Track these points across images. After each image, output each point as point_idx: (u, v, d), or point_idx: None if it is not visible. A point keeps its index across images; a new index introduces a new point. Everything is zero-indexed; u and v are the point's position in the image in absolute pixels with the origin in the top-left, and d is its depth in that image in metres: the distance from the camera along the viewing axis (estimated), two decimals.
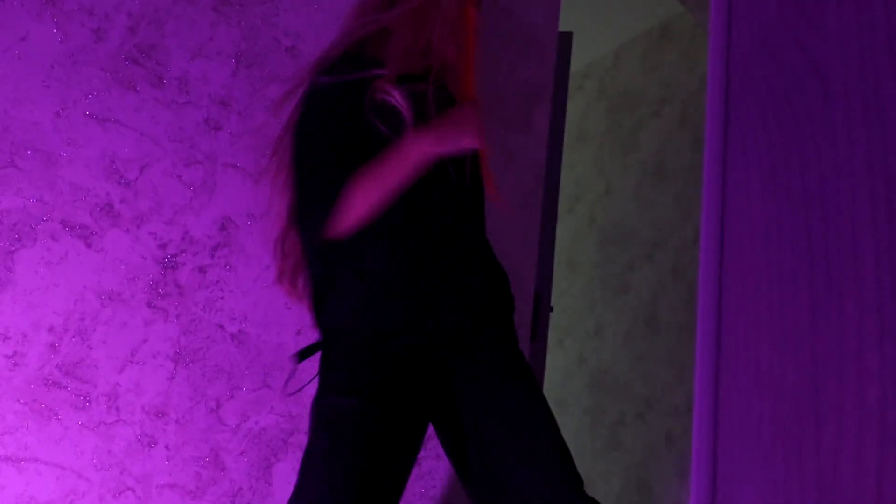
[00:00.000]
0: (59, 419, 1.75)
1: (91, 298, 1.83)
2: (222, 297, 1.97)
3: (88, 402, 1.79)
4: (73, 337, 1.80)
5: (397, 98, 1.44)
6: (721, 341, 0.73)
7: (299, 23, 2.21)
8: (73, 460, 1.75)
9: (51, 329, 1.78)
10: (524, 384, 1.47)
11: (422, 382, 1.46)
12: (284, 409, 1.99)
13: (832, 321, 0.64)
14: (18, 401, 1.73)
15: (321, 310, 1.49)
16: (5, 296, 1.75)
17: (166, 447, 1.85)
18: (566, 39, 2.83)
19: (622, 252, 4.34)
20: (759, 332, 0.70)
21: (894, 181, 0.58)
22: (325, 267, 1.48)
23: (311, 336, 2.07)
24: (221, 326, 1.95)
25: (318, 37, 2.23)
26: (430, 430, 2.11)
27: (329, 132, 1.43)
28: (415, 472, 2.11)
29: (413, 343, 1.44)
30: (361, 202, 1.39)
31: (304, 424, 2.01)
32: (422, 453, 2.13)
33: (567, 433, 4.35)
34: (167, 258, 1.92)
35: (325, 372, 1.48)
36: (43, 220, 1.81)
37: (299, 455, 1.99)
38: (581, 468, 4.20)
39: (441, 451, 2.14)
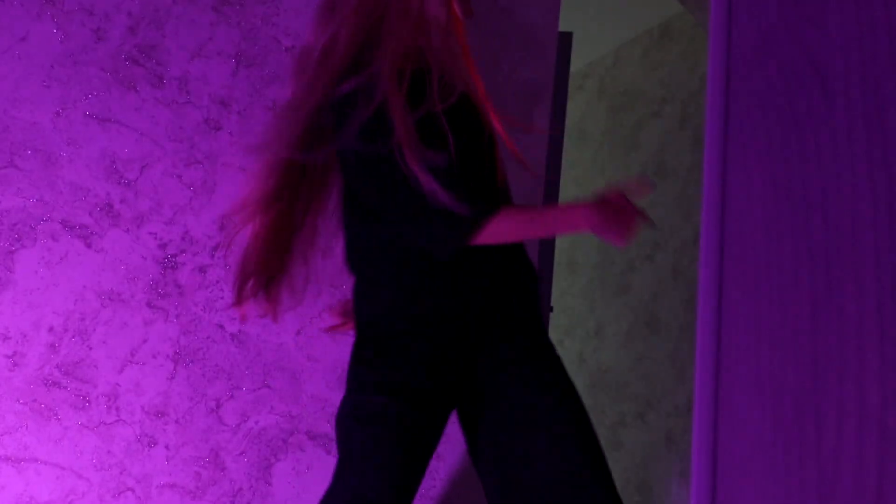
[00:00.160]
0: (58, 419, 1.75)
1: (91, 298, 1.83)
2: (222, 297, 1.97)
3: (88, 402, 1.79)
4: (73, 337, 1.80)
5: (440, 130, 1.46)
6: (721, 341, 0.73)
7: (299, 23, 2.21)
8: (73, 460, 1.75)
9: (51, 329, 1.77)
10: (550, 379, 1.49)
11: (451, 375, 1.48)
12: (284, 410, 1.99)
13: (833, 321, 0.64)
14: (18, 401, 1.72)
15: (360, 306, 1.52)
16: (5, 296, 1.75)
17: (166, 447, 1.85)
18: (566, 39, 2.83)
19: (622, 252, 4.34)
20: (759, 332, 0.70)
21: (895, 180, 0.58)
22: (370, 264, 1.51)
23: (312, 336, 2.07)
24: (221, 326, 1.95)
25: None
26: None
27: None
28: None
29: (444, 333, 1.47)
30: (500, 232, 1.42)
31: (304, 424, 2.01)
32: None
33: None
34: (167, 258, 1.92)
35: (354, 370, 1.50)
36: (43, 220, 1.80)
37: (299, 455, 1.99)
38: None
39: (441, 450, 2.14)
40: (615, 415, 4.13)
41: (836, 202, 0.61)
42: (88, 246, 1.84)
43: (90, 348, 1.81)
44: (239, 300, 1.52)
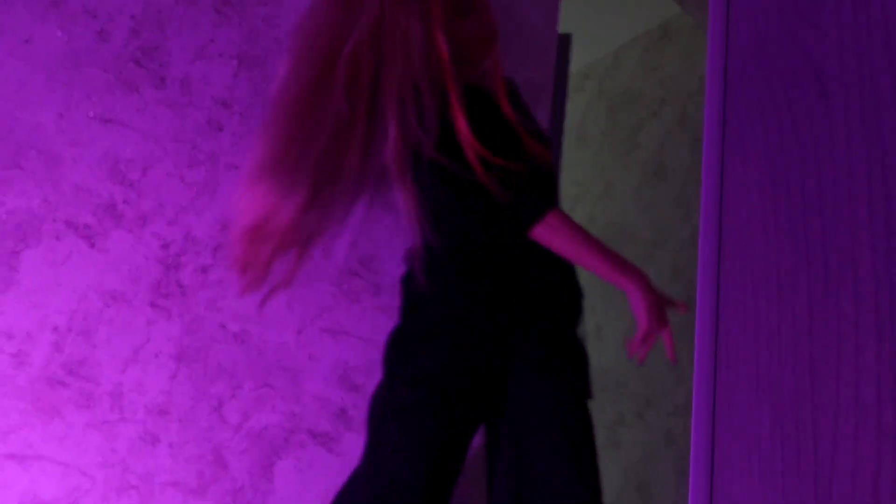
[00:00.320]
0: (62, 418, 1.76)
1: (94, 298, 1.84)
2: (224, 297, 1.98)
3: (92, 400, 1.80)
4: (77, 336, 1.81)
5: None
6: (719, 341, 0.74)
7: None
8: (77, 458, 1.76)
9: (55, 328, 1.78)
10: (560, 382, 1.54)
11: (487, 376, 1.56)
12: (286, 408, 2.00)
13: (830, 321, 0.65)
14: (23, 399, 1.73)
15: (412, 298, 1.60)
16: (10, 295, 1.76)
17: (169, 445, 1.85)
18: (566, 40, 2.84)
19: (622, 251, 4.35)
20: (757, 331, 0.71)
21: (891, 181, 0.59)
22: (431, 261, 1.61)
23: (313, 335, 2.08)
24: (223, 326, 1.96)
25: None
26: None
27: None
28: None
29: (486, 335, 1.55)
30: (557, 232, 1.52)
31: (306, 423, 2.02)
32: None
33: None
34: (170, 258, 1.93)
35: (393, 358, 1.56)
36: (47, 221, 1.81)
37: (300, 454, 2.00)
38: None
39: None
40: (614, 414, 4.13)
41: (833, 202, 0.62)
42: (92, 246, 1.85)
43: (94, 347, 1.82)
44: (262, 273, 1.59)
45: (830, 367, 0.63)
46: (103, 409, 1.81)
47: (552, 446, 1.49)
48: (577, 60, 5.02)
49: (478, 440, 2.29)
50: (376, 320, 2.18)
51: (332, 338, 2.11)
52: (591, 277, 4.52)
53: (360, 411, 2.10)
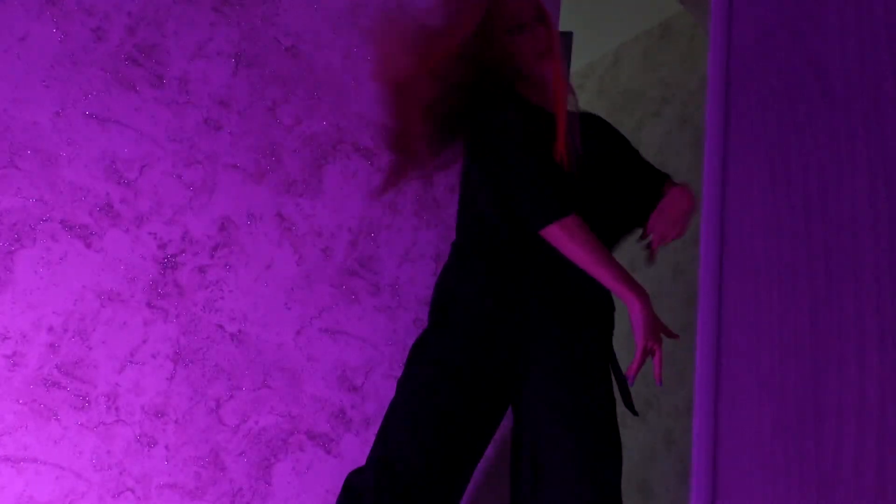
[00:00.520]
0: (58, 419, 1.75)
1: (90, 298, 1.82)
2: (222, 298, 1.97)
3: (88, 402, 1.79)
4: (73, 337, 1.80)
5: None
6: (721, 341, 0.73)
7: (299, 23, 2.21)
8: (73, 460, 1.75)
9: (50, 329, 1.77)
10: (585, 382, 1.59)
11: (503, 364, 1.64)
12: (284, 410, 1.99)
13: (832, 321, 0.64)
14: (18, 401, 1.72)
15: (447, 281, 1.74)
16: (5, 296, 1.75)
17: (166, 447, 1.84)
18: (566, 39, 2.82)
19: (623, 251, 4.35)
20: (759, 332, 0.70)
21: (895, 180, 0.58)
22: (469, 249, 1.75)
23: (312, 336, 2.07)
24: (221, 326, 1.95)
25: (317, 37, 2.23)
26: None
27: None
28: None
29: (505, 325, 1.64)
30: (563, 240, 1.62)
31: (304, 425, 2.01)
32: None
33: None
34: (167, 258, 1.92)
35: (415, 346, 1.69)
36: (42, 220, 1.80)
37: (299, 455, 1.99)
38: None
39: None
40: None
41: (836, 202, 0.61)
42: (88, 246, 1.84)
43: (90, 348, 1.81)
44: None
45: (833, 367, 0.62)
46: (99, 410, 1.80)
47: (567, 455, 1.52)
48: (578, 59, 5.01)
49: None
50: (376, 321, 2.17)
51: (332, 338, 2.10)
52: None
53: (359, 412, 2.09)
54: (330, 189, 2.18)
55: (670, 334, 1.59)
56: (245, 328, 1.98)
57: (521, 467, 1.61)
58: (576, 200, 1.74)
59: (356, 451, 2.06)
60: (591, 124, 1.91)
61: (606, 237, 1.82)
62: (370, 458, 1.59)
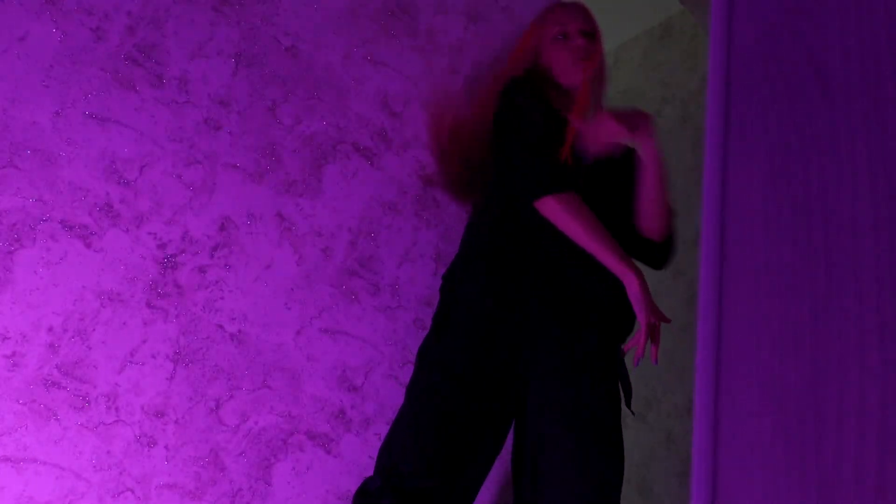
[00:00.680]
0: (58, 419, 1.75)
1: (90, 298, 1.82)
2: (222, 298, 1.97)
3: (88, 402, 1.78)
4: (73, 337, 1.79)
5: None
6: (721, 342, 0.72)
7: (299, 23, 2.21)
8: (73, 461, 1.75)
9: (50, 329, 1.77)
10: (587, 381, 1.59)
11: (505, 362, 1.64)
12: (284, 410, 1.99)
13: (833, 321, 0.63)
14: (17, 401, 1.72)
15: (451, 283, 1.74)
16: (4, 296, 1.74)
17: (166, 447, 1.84)
18: None
19: None
20: (759, 332, 0.70)
21: (895, 180, 0.58)
22: (470, 250, 1.75)
23: (312, 336, 2.07)
24: (221, 326, 1.95)
25: (317, 37, 2.23)
26: None
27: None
28: None
29: (507, 326, 1.63)
30: (559, 214, 1.62)
31: (304, 425, 2.01)
32: None
33: None
34: (166, 258, 1.92)
35: (421, 347, 1.68)
36: (42, 220, 1.80)
37: (299, 455, 1.98)
38: None
39: None
40: None
41: (837, 202, 0.61)
42: (88, 246, 1.84)
43: (89, 348, 1.81)
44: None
45: (833, 368, 0.62)
46: (99, 410, 1.79)
47: (567, 455, 1.52)
48: None
49: None
50: (376, 321, 2.17)
51: (331, 338, 2.10)
52: None
53: (359, 412, 2.09)
54: (330, 189, 2.18)
55: (663, 317, 1.60)
56: (245, 328, 1.98)
57: (522, 467, 1.61)
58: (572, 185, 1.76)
59: (356, 451, 2.06)
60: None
61: None
62: (377, 465, 1.59)
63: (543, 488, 1.54)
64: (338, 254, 2.15)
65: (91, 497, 1.75)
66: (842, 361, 0.61)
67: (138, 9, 1.99)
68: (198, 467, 1.87)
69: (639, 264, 1.73)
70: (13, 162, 1.79)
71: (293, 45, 2.18)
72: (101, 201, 1.87)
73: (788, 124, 0.73)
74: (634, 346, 1.58)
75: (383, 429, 2.11)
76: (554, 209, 1.62)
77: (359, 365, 2.12)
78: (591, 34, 1.87)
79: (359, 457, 2.06)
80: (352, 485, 2.04)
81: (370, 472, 2.06)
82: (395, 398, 2.14)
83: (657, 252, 1.82)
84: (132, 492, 1.79)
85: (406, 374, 2.18)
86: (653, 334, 1.56)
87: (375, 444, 2.09)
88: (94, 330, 1.82)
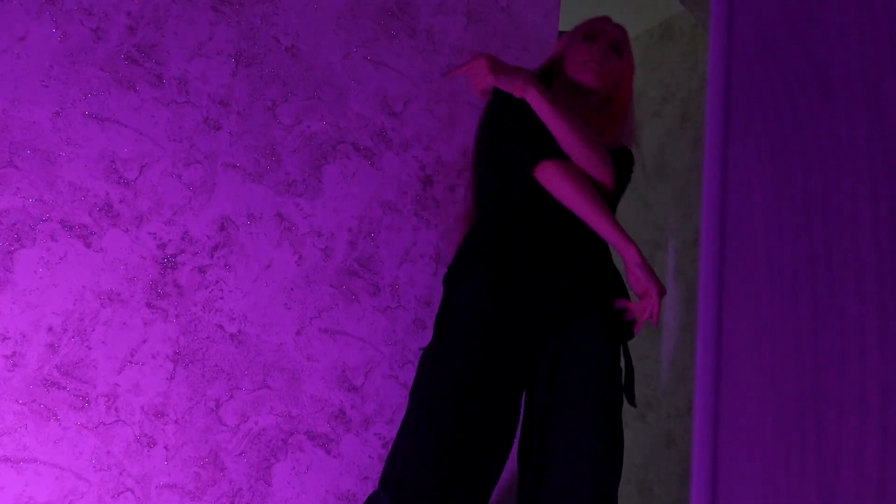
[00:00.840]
0: (57, 419, 1.75)
1: (90, 298, 1.82)
2: (222, 298, 1.97)
3: (87, 402, 1.78)
4: (73, 337, 1.79)
5: None
6: (722, 342, 0.72)
7: (299, 22, 2.21)
8: (72, 461, 1.75)
9: (50, 329, 1.77)
10: (595, 370, 1.59)
11: (517, 363, 1.63)
12: (284, 410, 1.99)
13: (833, 321, 0.63)
14: (17, 401, 1.72)
15: (452, 282, 1.74)
16: (4, 296, 1.74)
17: (165, 447, 1.84)
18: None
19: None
20: (760, 332, 0.70)
21: None
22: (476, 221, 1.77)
23: (312, 336, 2.07)
24: (221, 327, 1.95)
25: (317, 36, 2.23)
26: None
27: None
28: None
29: (513, 321, 1.62)
30: (556, 181, 1.64)
31: (304, 425, 2.01)
32: None
33: None
34: (166, 258, 1.92)
35: (434, 333, 1.68)
36: (42, 220, 1.80)
37: (299, 455, 1.98)
38: None
39: None
40: None
41: (837, 202, 0.61)
42: (88, 246, 1.84)
43: (89, 348, 1.80)
44: None
45: (834, 367, 0.62)
46: (99, 410, 1.79)
47: (576, 441, 1.52)
48: None
49: None
50: (375, 321, 2.17)
51: (331, 338, 2.10)
52: None
53: (359, 412, 2.09)
54: (330, 189, 2.18)
55: (663, 287, 1.62)
56: (245, 328, 1.98)
57: (528, 458, 1.61)
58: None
59: (356, 451, 2.06)
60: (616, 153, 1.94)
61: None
62: (382, 478, 1.57)
63: (550, 475, 1.54)
64: (338, 254, 2.15)
65: (91, 497, 1.75)
66: (842, 361, 0.61)
67: (138, 9, 1.98)
68: (198, 467, 1.87)
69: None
70: (13, 162, 1.79)
71: (293, 45, 2.18)
72: (101, 201, 1.87)
73: (788, 124, 0.73)
74: (640, 314, 1.59)
75: (383, 429, 2.11)
76: (554, 174, 1.62)
77: (359, 365, 2.12)
78: (619, 50, 1.91)
79: (359, 457, 2.06)
80: (352, 485, 2.04)
81: (370, 473, 2.06)
82: (395, 398, 2.14)
83: (615, 196, 1.82)
84: (132, 492, 1.79)
85: (406, 373, 2.18)
86: (652, 303, 1.58)
87: (375, 445, 2.09)
88: (94, 330, 1.81)
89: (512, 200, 1.73)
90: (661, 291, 1.59)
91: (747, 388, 0.66)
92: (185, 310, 1.92)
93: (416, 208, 2.30)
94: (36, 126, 1.82)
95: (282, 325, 2.03)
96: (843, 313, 0.59)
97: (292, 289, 2.07)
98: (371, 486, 2.06)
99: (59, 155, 1.84)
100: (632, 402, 1.61)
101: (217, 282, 1.97)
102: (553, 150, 1.66)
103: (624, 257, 1.60)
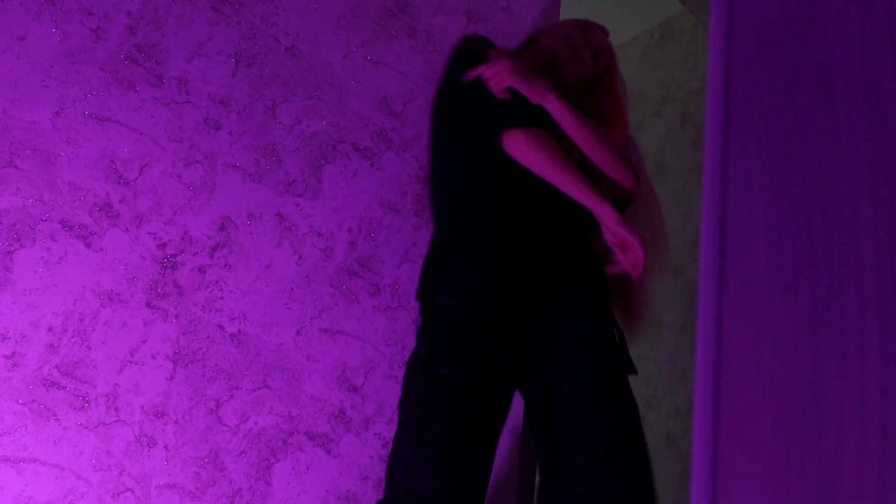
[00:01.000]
0: (57, 419, 1.75)
1: (90, 298, 1.82)
2: (222, 298, 1.97)
3: (87, 402, 1.78)
4: (73, 337, 1.79)
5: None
6: (722, 342, 0.72)
7: (299, 22, 2.21)
8: (72, 461, 1.75)
9: (50, 329, 1.77)
10: (594, 350, 1.58)
11: (505, 364, 1.60)
12: (284, 410, 1.99)
13: (833, 321, 0.63)
14: (17, 401, 1.72)
15: (429, 289, 1.70)
16: (4, 296, 1.74)
17: (165, 447, 1.84)
18: None
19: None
20: (760, 332, 0.70)
21: None
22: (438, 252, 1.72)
23: (312, 336, 2.07)
24: (221, 327, 1.95)
25: (317, 36, 2.23)
26: None
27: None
28: None
29: (489, 314, 1.60)
30: (524, 149, 1.62)
31: (304, 425, 2.01)
32: None
33: None
34: (166, 258, 1.92)
35: (418, 342, 1.65)
36: (42, 220, 1.80)
37: (299, 455, 1.98)
38: None
39: None
40: None
41: (837, 202, 0.61)
42: (88, 246, 1.84)
43: (89, 348, 1.81)
44: None
45: (834, 367, 0.62)
46: (99, 410, 1.79)
47: (600, 418, 1.52)
48: None
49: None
50: (376, 321, 2.17)
51: (331, 338, 2.10)
52: None
53: (359, 412, 2.09)
54: (330, 189, 2.18)
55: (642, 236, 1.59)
56: (245, 328, 1.98)
57: (547, 439, 1.58)
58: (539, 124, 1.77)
59: (356, 451, 2.06)
60: None
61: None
62: (387, 485, 1.56)
63: (581, 451, 1.53)
64: (337, 254, 2.15)
65: (91, 497, 1.75)
66: (842, 362, 0.61)
67: (138, 9, 1.98)
68: (198, 467, 1.87)
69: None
70: (13, 162, 1.79)
71: (293, 45, 2.18)
72: (100, 201, 1.87)
73: (788, 124, 0.73)
74: (632, 269, 1.57)
75: (383, 429, 2.11)
76: (522, 142, 1.60)
77: (359, 365, 2.12)
78: (596, 56, 1.96)
79: (359, 457, 2.06)
80: (352, 485, 2.04)
81: (370, 473, 2.06)
82: (395, 398, 2.14)
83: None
84: (132, 492, 1.79)
85: None
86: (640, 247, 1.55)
87: (375, 445, 2.09)
88: (93, 330, 1.82)
89: (488, 186, 1.71)
90: (642, 240, 1.55)
91: (747, 388, 0.66)
92: (185, 310, 1.92)
93: (416, 208, 2.30)
94: (36, 126, 1.83)
95: (282, 325, 2.03)
96: (843, 313, 0.59)
97: (292, 289, 2.07)
98: (371, 486, 2.06)
99: (59, 155, 1.84)
100: (633, 370, 1.59)
101: (217, 282, 1.97)
102: (524, 116, 1.63)
103: (600, 217, 1.57)
